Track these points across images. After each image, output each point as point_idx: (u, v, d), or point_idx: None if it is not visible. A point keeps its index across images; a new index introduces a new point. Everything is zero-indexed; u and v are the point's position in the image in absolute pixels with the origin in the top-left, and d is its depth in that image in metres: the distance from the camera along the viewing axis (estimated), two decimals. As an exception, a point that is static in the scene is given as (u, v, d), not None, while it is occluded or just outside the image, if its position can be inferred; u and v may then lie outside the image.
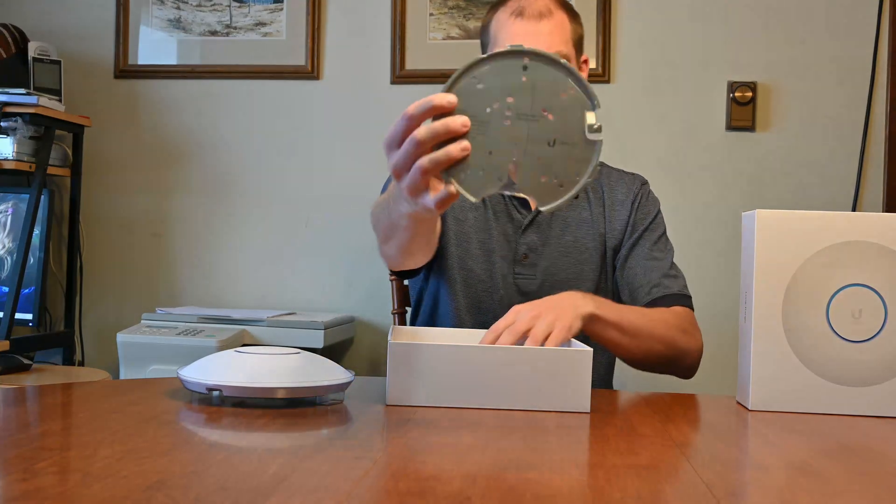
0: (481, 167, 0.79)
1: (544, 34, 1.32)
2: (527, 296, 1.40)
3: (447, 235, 1.44)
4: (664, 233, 1.48)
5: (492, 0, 1.42)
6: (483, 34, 1.42)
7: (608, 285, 1.47)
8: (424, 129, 0.78)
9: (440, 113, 0.78)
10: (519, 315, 1.09)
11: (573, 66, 0.90)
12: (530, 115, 0.80)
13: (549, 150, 0.80)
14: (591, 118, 0.80)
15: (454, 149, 0.77)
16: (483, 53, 1.40)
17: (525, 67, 0.80)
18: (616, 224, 1.46)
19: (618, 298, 1.45)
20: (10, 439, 0.77)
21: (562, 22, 1.35)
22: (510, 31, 1.33)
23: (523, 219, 1.44)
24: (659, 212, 1.50)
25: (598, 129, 0.80)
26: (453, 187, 0.79)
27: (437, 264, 1.46)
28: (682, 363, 1.34)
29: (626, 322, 1.24)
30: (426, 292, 1.50)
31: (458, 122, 0.77)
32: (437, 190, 0.81)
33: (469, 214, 1.45)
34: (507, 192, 0.81)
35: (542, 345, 1.05)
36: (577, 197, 0.80)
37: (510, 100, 0.80)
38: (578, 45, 1.40)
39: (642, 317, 1.29)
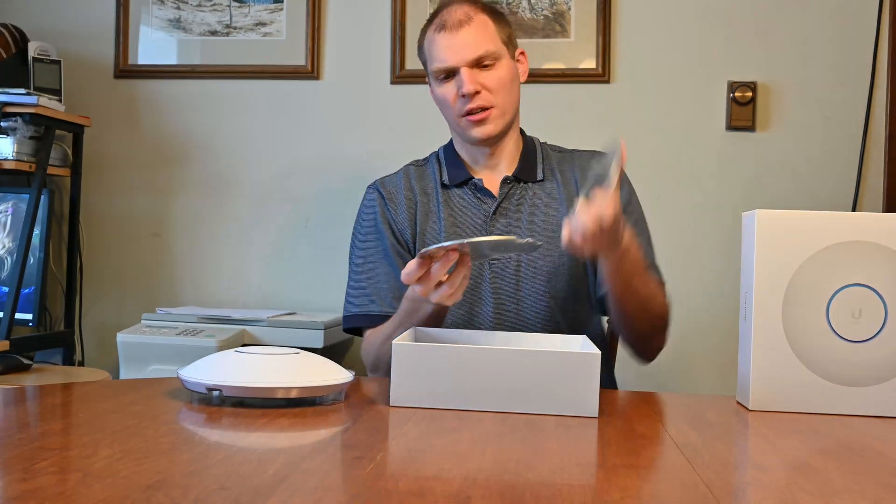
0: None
1: (468, 41, 1.44)
2: (503, 279, 1.46)
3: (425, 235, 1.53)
4: (641, 217, 1.52)
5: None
6: (420, 54, 1.54)
7: (577, 259, 1.49)
8: (440, 268, 1.16)
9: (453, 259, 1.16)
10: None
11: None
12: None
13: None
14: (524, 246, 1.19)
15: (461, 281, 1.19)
16: (425, 70, 1.56)
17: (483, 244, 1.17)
18: None
19: (592, 270, 1.52)
20: (10, 439, 0.77)
21: (483, 23, 1.46)
22: (438, 46, 1.46)
23: (489, 207, 1.50)
24: (633, 193, 1.53)
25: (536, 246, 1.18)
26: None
27: None
28: (663, 335, 1.44)
29: (643, 270, 1.32)
30: None
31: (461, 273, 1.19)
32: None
33: (443, 213, 1.51)
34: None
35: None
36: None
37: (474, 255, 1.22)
38: (509, 42, 1.50)
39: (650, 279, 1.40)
